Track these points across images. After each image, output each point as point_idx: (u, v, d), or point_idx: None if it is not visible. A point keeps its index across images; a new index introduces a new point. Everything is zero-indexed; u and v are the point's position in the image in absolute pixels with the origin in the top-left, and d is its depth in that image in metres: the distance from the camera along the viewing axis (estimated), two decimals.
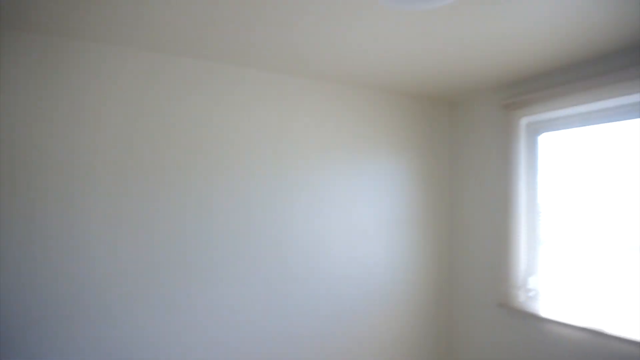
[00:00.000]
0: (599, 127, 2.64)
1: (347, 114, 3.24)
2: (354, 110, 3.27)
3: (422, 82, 3.12)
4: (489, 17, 2.09)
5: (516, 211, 3.01)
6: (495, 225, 3.19)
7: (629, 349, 2.34)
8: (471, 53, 2.55)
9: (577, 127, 2.75)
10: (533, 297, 2.91)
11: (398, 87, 3.28)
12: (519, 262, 2.99)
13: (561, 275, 2.78)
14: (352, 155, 3.24)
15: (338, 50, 2.56)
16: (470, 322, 3.37)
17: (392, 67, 2.82)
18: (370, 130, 3.32)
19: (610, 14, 2.04)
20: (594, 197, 2.64)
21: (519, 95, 2.98)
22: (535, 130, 3.00)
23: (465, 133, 3.50)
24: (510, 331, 3.03)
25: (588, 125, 2.69)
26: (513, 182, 3.02)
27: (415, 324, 3.43)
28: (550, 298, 2.80)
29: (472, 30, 2.24)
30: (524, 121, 3.00)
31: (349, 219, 3.19)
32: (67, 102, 2.39)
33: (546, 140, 2.94)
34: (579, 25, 2.17)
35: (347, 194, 3.20)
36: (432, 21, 2.16)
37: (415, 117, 3.52)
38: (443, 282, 3.58)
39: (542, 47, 2.44)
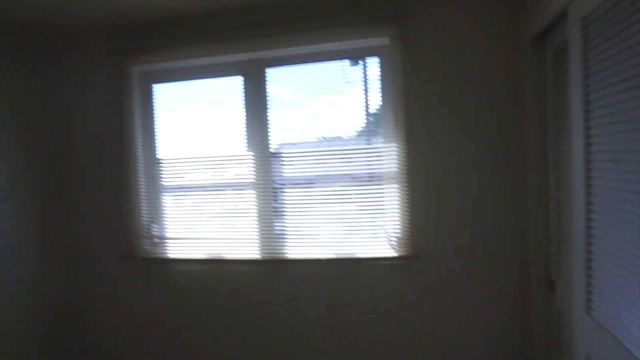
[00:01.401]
0: (207, 81, 2.93)
1: None
2: None
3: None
4: None
5: (134, 161, 2.98)
6: (115, 177, 3.06)
7: (242, 267, 2.91)
8: None
9: (190, 79, 2.94)
10: (158, 243, 3.05)
11: None
12: (140, 211, 3.02)
13: (183, 218, 3.02)
14: None
15: None
16: (96, 279, 3.18)
17: None
18: None
19: None
20: (205, 143, 2.95)
21: (133, 42, 2.85)
22: (150, 79, 2.98)
23: (71, 78, 3.07)
24: (139, 280, 3.08)
25: (198, 78, 2.93)
26: (128, 132, 2.95)
27: (34, 293, 2.94)
28: (174, 241, 3.02)
29: None
30: (137, 69, 2.92)
31: None
32: None
33: (163, 90, 2.99)
34: None
35: None
36: None
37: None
38: (59, 246, 3.18)
39: None
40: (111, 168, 3.07)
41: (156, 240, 3.04)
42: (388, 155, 2.63)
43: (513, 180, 2.49)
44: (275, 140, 2.81)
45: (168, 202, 3.04)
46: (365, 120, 2.75)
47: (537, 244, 2.29)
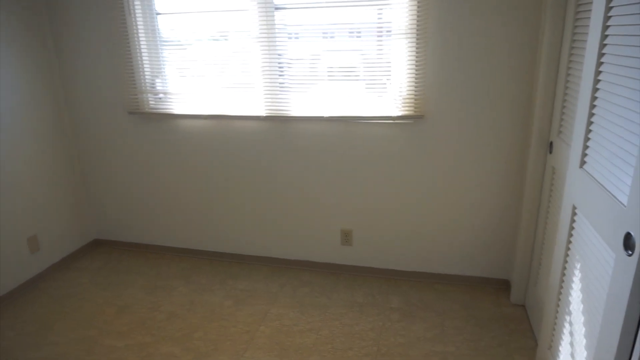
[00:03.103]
0: None
1: None
2: None
3: None
4: None
5: (132, 15, 2.84)
6: (112, 31, 2.95)
7: (246, 124, 2.95)
8: None
9: None
10: (162, 98, 3.04)
11: None
12: (143, 66, 2.97)
13: (186, 73, 2.97)
14: None
15: None
16: (102, 134, 3.27)
17: None
18: None
19: None
20: None
21: None
22: None
23: None
24: (145, 135, 3.16)
25: None
26: None
27: (42, 148, 3.06)
28: (178, 96, 3.01)
29: None
30: None
31: None
32: None
33: None
34: None
35: None
36: None
37: None
38: (65, 101, 3.20)
39: None
40: (106, 22, 2.94)
41: (160, 95, 3.04)
42: (400, 8, 2.48)
43: (526, 45, 2.39)
44: None
45: (170, 56, 2.96)
46: None
47: (542, 107, 2.29)
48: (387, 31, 2.54)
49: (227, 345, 2.42)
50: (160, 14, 2.88)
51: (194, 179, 3.18)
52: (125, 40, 2.93)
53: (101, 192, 3.45)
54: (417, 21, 2.46)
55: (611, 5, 1.37)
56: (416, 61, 2.54)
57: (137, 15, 2.86)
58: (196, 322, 2.62)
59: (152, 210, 3.37)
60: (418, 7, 2.44)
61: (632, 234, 1.16)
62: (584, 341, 1.50)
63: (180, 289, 2.96)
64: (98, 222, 3.56)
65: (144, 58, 2.95)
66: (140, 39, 2.91)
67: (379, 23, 2.55)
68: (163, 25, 2.91)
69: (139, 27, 2.89)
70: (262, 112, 2.86)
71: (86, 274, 3.17)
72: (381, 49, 2.58)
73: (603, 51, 1.43)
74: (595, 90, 1.48)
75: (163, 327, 2.58)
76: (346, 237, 3.03)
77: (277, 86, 2.79)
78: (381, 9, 2.52)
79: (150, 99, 3.05)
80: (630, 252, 1.16)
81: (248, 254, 3.29)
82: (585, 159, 1.55)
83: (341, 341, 2.42)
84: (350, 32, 2.61)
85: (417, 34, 2.49)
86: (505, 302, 2.72)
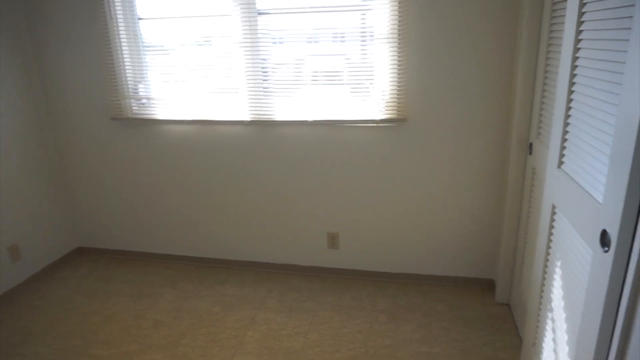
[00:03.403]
0: None
1: None
2: None
3: None
4: None
5: (113, 20, 2.83)
6: (94, 36, 2.93)
7: (228, 128, 2.95)
8: None
9: None
10: (145, 104, 3.03)
11: None
12: (125, 72, 2.95)
13: (169, 78, 2.96)
14: None
15: None
16: (85, 140, 3.23)
17: None
18: None
19: None
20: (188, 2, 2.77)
21: None
22: None
23: None
24: (128, 141, 3.14)
25: None
26: None
27: (26, 149, 3.02)
28: (161, 102, 2.99)
29: None
30: None
31: None
32: None
33: None
34: None
35: None
36: None
37: None
38: (45, 108, 3.16)
39: None
40: (88, 27, 2.92)
41: (144, 100, 3.02)
42: (381, 13, 2.51)
43: (505, 49, 2.44)
44: None
45: (153, 62, 2.95)
46: None
47: (521, 109, 2.34)
48: (371, 35, 2.57)
49: (215, 351, 2.41)
50: (142, 19, 2.87)
51: (179, 184, 3.17)
52: (107, 46, 2.92)
53: (85, 199, 3.41)
54: (399, 25, 2.50)
55: (584, 11, 1.41)
56: (398, 65, 2.57)
57: (118, 20, 2.85)
58: (183, 329, 2.60)
59: (137, 216, 3.35)
60: (399, 11, 2.47)
61: (608, 230, 1.19)
62: (566, 337, 1.54)
63: (167, 296, 2.94)
64: (82, 230, 3.51)
65: (126, 63, 2.94)
66: (122, 44, 2.90)
67: (362, 27, 2.58)
68: (145, 30, 2.90)
69: (121, 32, 2.88)
70: (246, 116, 2.86)
71: (70, 283, 3.13)
72: (365, 53, 2.61)
73: (577, 55, 1.47)
74: (570, 92, 1.52)
75: (149, 334, 2.56)
76: (332, 241, 3.05)
77: (261, 91, 2.80)
78: (364, 14, 2.55)
79: (133, 104, 3.03)
80: (606, 249, 1.20)
81: (235, 259, 3.28)
82: (563, 159, 1.59)
83: (329, 344, 2.43)
84: (334, 37, 2.64)
85: (399, 38, 2.52)
86: (490, 302, 2.76)
